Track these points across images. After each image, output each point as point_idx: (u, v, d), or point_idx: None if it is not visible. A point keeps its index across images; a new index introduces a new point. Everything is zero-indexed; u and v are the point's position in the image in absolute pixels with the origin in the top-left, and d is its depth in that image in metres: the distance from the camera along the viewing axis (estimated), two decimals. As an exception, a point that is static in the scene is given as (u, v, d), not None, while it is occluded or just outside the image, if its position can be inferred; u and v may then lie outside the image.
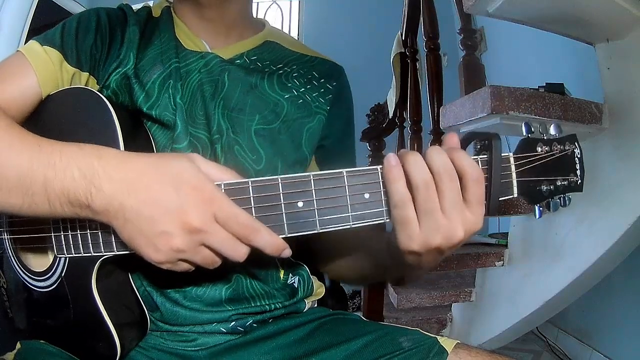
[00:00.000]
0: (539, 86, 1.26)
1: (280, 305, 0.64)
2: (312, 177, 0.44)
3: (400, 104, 1.98)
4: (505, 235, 1.60)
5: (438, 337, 0.57)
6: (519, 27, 1.25)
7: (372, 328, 0.61)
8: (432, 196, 0.42)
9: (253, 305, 0.62)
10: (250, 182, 0.44)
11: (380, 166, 0.44)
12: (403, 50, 1.96)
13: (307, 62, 0.71)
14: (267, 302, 0.63)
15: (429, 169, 0.42)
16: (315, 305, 0.72)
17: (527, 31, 1.35)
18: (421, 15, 1.74)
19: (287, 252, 0.44)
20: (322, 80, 0.70)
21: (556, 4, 1.08)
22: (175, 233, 0.41)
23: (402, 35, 1.98)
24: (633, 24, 1.08)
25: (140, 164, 0.42)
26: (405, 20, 1.96)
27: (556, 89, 1.23)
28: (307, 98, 0.67)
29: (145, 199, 0.41)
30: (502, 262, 1.51)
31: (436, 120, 1.57)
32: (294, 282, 0.67)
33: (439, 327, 1.72)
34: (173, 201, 0.41)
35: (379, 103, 2.26)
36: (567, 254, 1.29)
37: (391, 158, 0.43)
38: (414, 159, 0.42)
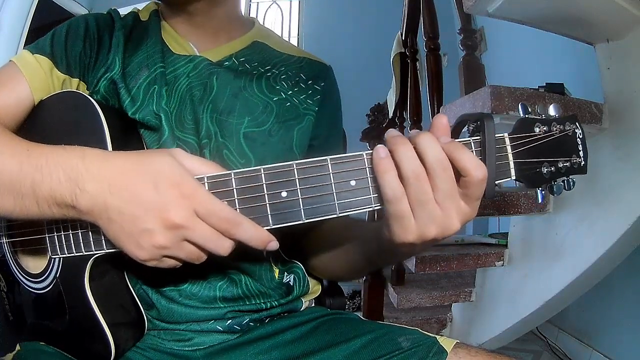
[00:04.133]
0: (539, 86, 1.26)
1: (276, 303, 0.64)
2: (295, 166, 0.43)
3: (400, 104, 1.98)
4: (505, 235, 1.60)
5: (437, 337, 0.57)
6: (519, 27, 1.25)
7: (370, 328, 0.60)
8: (424, 188, 0.41)
9: (248, 303, 0.62)
10: (232, 174, 0.43)
11: (366, 152, 0.43)
12: (403, 50, 1.96)
13: (294, 63, 0.71)
14: (263, 301, 0.63)
15: (421, 159, 0.41)
16: (313, 305, 0.72)
17: (527, 31, 1.35)
18: (421, 15, 1.74)
19: (274, 245, 0.43)
20: (310, 82, 0.70)
21: (556, 4, 1.08)
22: (157, 230, 0.41)
23: (402, 35, 1.98)
24: (633, 24, 1.08)
25: (121, 162, 0.43)
26: (405, 20, 1.96)
27: (556, 89, 1.23)
28: (295, 101, 0.67)
29: (127, 198, 0.41)
30: (502, 262, 1.51)
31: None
32: (289, 280, 0.66)
33: (439, 327, 1.72)
34: (153, 198, 0.41)
35: (379, 103, 2.26)
36: (567, 254, 1.29)
37: (380, 150, 0.41)
38: (404, 150, 0.41)
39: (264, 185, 0.43)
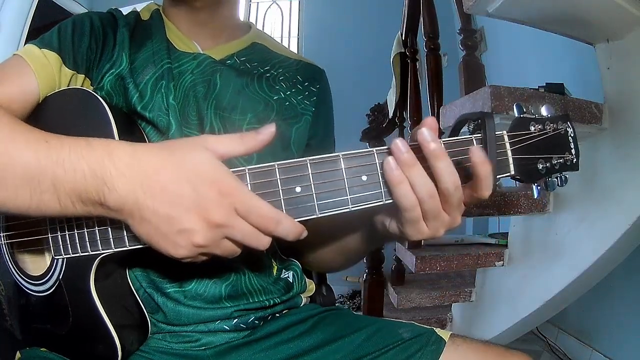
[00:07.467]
0: (539, 86, 1.25)
1: (278, 300, 0.65)
2: (308, 162, 0.44)
3: (400, 104, 1.98)
4: (505, 235, 1.60)
5: (434, 329, 0.62)
6: (519, 27, 1.25)
7: (371, 321, 0.64)
8: (436, 204, 0.44)
9: (252, 301, 0.62)
10: (247, 170, 0.44)
11: (376, 149, 0.45)
12: (403, 50, 1.96)
13: (291, 65, 0.73)
14: (265, 298, 0.64)
15: (437, 182, 0.43)
16: (308, 302, 0.74)
17: (527, 31, 1.35)
18: (421, 15, 1.74)
19: (305, 234, 0.44)
20: (306, 83, 0.72)
21: (556, 4, 1.08)
22: (197, 230, 0.40)
23: (402, 35, 1.98)
24: (633, 24, 1.08)
25: (153, 159, 0.41)
26: (405, 20, 1.96)
27: (556, 89, 1.23)
28: (293, 101, 0.69)
29: (163, 199, 0.40)
30: (502, 262, 1.51)
31: (436, 120, 1.57)
32: (288, 277, 0.68)
33: (439, 327, 1.72)
34: (192, 199, 0.40)
35: (379, 103, 2.26)
36: (567, 254, 1.29)
37: (390, 162, 0.42)
38: (416, 172, 0.42)
39: (278, 180, 0.43)
